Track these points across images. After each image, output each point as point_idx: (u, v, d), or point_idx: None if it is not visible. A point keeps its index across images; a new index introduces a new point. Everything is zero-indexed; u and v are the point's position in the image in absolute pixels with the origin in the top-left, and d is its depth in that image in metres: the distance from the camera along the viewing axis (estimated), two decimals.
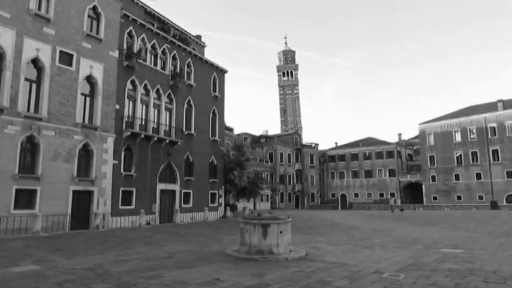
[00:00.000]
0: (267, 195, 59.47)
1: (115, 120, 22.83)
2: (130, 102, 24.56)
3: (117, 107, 23.06)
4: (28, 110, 18.44)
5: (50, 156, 18.84)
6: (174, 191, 27.64)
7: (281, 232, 10.33)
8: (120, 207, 22.98)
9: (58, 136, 19.24)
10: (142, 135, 24.46)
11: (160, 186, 26.40)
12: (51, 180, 18.78)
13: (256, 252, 10.12)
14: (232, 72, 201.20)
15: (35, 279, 7.80)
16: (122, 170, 23.34)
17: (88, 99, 21.46)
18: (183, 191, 28.24)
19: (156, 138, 25.56)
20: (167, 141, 26.50)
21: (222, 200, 32.77)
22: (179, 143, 27.61)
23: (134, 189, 24.17)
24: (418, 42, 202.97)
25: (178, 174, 27.83)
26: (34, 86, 18.91)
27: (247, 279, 7.64)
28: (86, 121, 21.11)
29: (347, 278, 7.79)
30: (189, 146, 29.17)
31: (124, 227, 21.14)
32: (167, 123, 27.39)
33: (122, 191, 23.36)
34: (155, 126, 26.26)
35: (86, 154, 21.10)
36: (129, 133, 23.59)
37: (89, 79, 21.44)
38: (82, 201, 20.70)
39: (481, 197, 56.41)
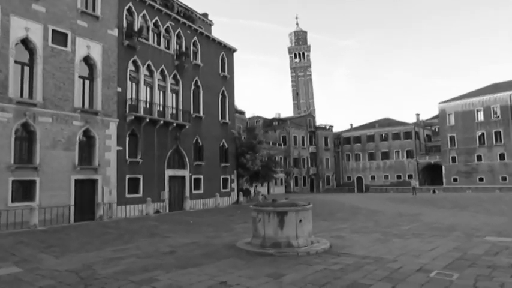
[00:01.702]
0: (281, 179, 58.01)
1: (117, 104, 21.41)
2: (133, 84, 23.06)
3: (119, 89, 21.60)
4: (21, 95, 17.07)
5: (47, 144, 17.56)
6: (183, 177, 26.32)
7: (300, 221, 8.77)
8: (127, 195, 21.76)
9: (56, 122, 17.90)
10: (148, 119, 23.03)
11: (169, 172, 25.09)
12: (50, 170, 17.54)
13: (271, 245, 8.61)
14: (242, 58, 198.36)
15: (7, 286, 6.45)
16: (127, 157, 22.04)
17: (87, 82, 20.00)
18: (193, 176, 26.90)
19: (162, 122, 24.13)
20: (174, 124, 25.05)
21: (234, 185, 31.40)
22: (187, 127, 26.15)
23: (141, 177, 22.90)
24: (433, 23, 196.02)
25: (187, 160, 26.45)
26: (26, 69, 17.49)
27: (261, 283, 6.13)
28: (86, 106, 19.71)
29: (387, 280, 6.22)
30: (197, 130, 27.70)
31: (131, 217, 19.92)
32: (174, 105, 25.89)
33: (128, 178, 22.10)
34: (161, 109, 24.80)
35: (87, 141, 19.79)
36: (133, 117, 22.18)
37: (87, 60, 19.95)
38: (86, 191, 19.50)
39: (504, 178, 53.88)
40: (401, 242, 9.91)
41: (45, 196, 17.14)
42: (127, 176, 21.93)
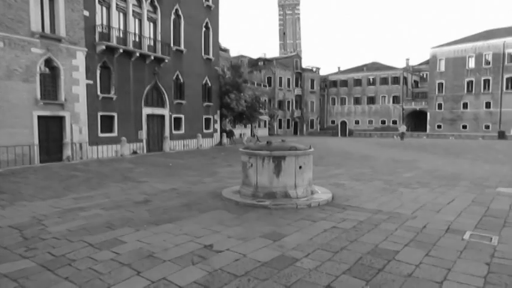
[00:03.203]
0: (265, 121, 56.64)
1: (85, 31, 18.72)
2: (104, 8, 20.16)
3: (86, 13, 18.78)
4: None
5: (0, 73, 15.19)
6: (163, 116, 24.42)
7: (300, 167, 7.31)
8: (100, 134, 19.89)
9: (8, 48, 15.36)
10: (121, 50, 20.52)
11: (147, 110, 23.10)
12: (7, 104, 15.36)
13: (265, 195, 7.19)
14: None
15: None
16: (98, 92, 19.83)
17: (46, 1, 17.12)
18: (173, 116, 25.02)
19: (138, 54, 21.65)
20: (152, 58, 22.61)
21: (217, 126, 29.75)
22: (166, 61, 23.73)
23: (115, 115, 20.89)
24: None
25: (167, 97, 24.37)
26: None
27: (258, 247, 4.73)
28: (46, 30, 17.01)
29: (415, 244, 4.90)
30: (178, 65, 25.31)
31: (104, 158, 18.25)
32: (151, 36, 23.20)
33: (101, 116, 20.09)
34: (136, 39, 22.15)
35: (50, 72, 17.41)
36: (104, 47, 19.63)
37: None
38: (52, 129, 17.52)
39: (487, 127, 53.97)
40: (410, 193, 8.69)
41: (3, 134, 15.17)
42: (99, 114, 19.91)
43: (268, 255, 4.48)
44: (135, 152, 21.43)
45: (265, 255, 4.48)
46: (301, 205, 6.84)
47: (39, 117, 16.68)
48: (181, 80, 25.55)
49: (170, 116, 24.73)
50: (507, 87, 52.33)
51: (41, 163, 16.17)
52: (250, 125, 46.94)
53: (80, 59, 18.36)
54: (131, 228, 5.60)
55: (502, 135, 48.58)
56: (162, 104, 24.29)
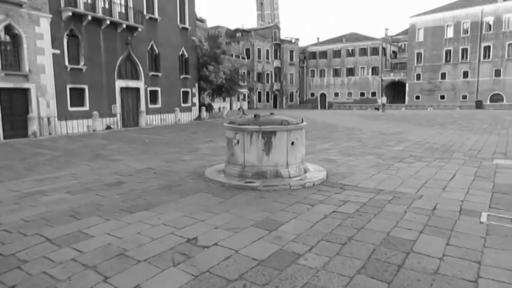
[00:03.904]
0: (244, 94, 55.43)
1: None
2: None
3: None
4: None
5: None
6: (138, 89, 23.09)
7: (293, 143, 6.56)
8: (70, 108, 18.57)
9: None
10: (90, 18, 18.91)
11: (120, 83, 21.72)
12: None
13: (254, 175, 6.43)
14: None
15: None
16: (66, 63, 18.34)
17: None
18: (148, 88, 23.70)
19: (108, 22, 20.07)
20: (124, 26, 21.05)
21: (196, 100, 28.59)
22: (140, 30, 22.20)
23: (86, 87, 19.51)
24: None
25: (141, 69, 22.96)
26: None
27: (252, 239, 4.00)
28: None
29: (431, 231, 4.28)
30: (152, 35, 23.77)
31: (75, 134, 17.02)
32: (122, 3, 21.51)
33: (70, 89, 18.71)
34: (106, 6, 20.47)
35: (11, 40, 15.84)
36: (71, 13, 17.99)
37: None
38: (16, 103, 16.14)
39: (464, 97, 54.56)
40: (407, 168, 8.12)
41: None
42: (68, 86, 18.51)
43: (264, 250, 3.76)
44: (108, 127, 20.21)
45: (261, 250, 3.75)
46: (295, 186, 6.13)
47: (1, 89, 15.23)
48: (156, 51, 24.09)
49: (145, 89, 23.42)
50: (484, 57, 52.68)
51: (5, 139, 14.92)
52: (229, 99, 45.80)
53: (44, 27, 16.75)
54: (100, 218, 4.75)
55: (479, 104, 49.30)
56: (136, 77, 22.91)
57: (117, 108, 21.36)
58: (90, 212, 5.02)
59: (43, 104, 16.91)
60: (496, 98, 52.16)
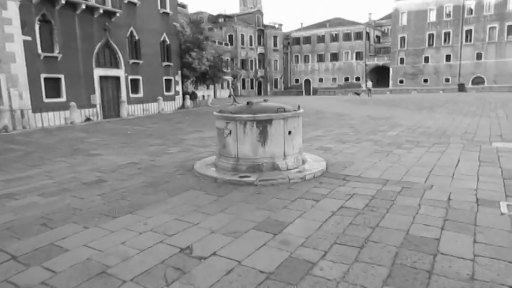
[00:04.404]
0: (228, 82, 54.48)
1: None
2: None
3: None
4: None
5: None
6: (118, 78, 22.10)
7: (290, 133, 6.02)
8: (45, 100, 17.57)
9: None
10: (63, 1, 17.76)
11: (99, 71, 20.70)
12: None
13: (249, 168, 5.88)
14: None
15: None
16: (39, 50, 17.26)
17: None
18: (129, 77, 22.73)
19: (84, 7, 18.95)
20: (101, 11, 19.94)
21: (179, 88, 27.70)
22: (118, 15, 21.10)
23: (62, 77, 18.48)
24: None
25: (121, 57, 21.94)
26: None
27: (254, 246, 3.46)
28: None
29: (453, 226, 3.82)
30: (132, 20, 22.68)
31: (52, 127, 16.09)
32: None
33: (45, 78, 17.67)
34: None
35: None
36: None
37: None
38: None
39: (447, 80, 55.01)
40: (408, 155, 7.70)
41: None
42: (43, 76, 17.48)
43: (272, 259, 3.23)
44: (88, 119, 19.28)
45: (268, 259, 3.22)
46: (294, 178, 5.61)
47: None
48: (136, 37, 23.05)
49: (126, 78, 22.44)
50: (466, 40, 53.02)
51: None
52: (213, 86, 44.89)
53: (12, 10, 15.63)
54: (77, 226, 4.13)
55: (461, 87, 49.70)
56: (116, 65, 21.90)
57: (97, 98, 20.38)
58: (65, 218, 4.39)
59: (15, 95, 15.89)
60: (477, 81, 52.74)
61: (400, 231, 3.77)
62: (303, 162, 6.36)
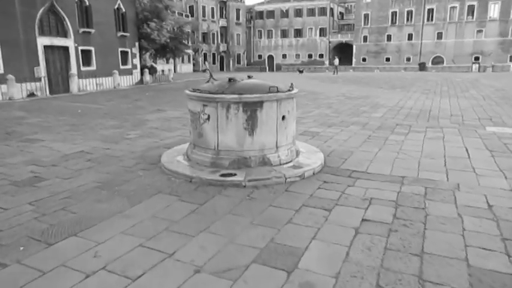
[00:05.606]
0: (189, 56, 51.88)
1: None
2: None
3: None
4: None
5: None
6: (66, 48, 19.65)
7: (283, 118, 4.83)
8: None
9: None
10: None
11: (43, 40, 18.20)
12: None
13: (233, 163, 4.65)
14: None
15: None
16: None
17: None
18: (80, 48, 20.31)
19: None
20: None
21: (137, 61, 25.43)
22: None
23: None
24: None
25: (69, 24, 19.45)
26: None
27: None
28: None
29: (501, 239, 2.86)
30: None
31: None
32: None
33: None
34: None
35: None
36: None
37: None
38: None
39: (408, 59, 55.65)
40: (407, 142, 6.79)
41: None
42: None
43: None
44: (32, 94, 17.00)
45: None
46: (292, 177, 4.46)
47: None
48: (87, 3, 20.56)
49: (76, 48, 20.05)
50: (428, 19, 53.54)
51: None
52: (173, 60, 42.43)
53: None
54: None
55: (422, 67, 50.49)
56: (63, 33, 19.44)
57: (42, 71, 17.97)
58: None
59: None
60: (437, 61, 53.75)
61: (458, 260, 2.75)
62: (297, 154, 5.21)
